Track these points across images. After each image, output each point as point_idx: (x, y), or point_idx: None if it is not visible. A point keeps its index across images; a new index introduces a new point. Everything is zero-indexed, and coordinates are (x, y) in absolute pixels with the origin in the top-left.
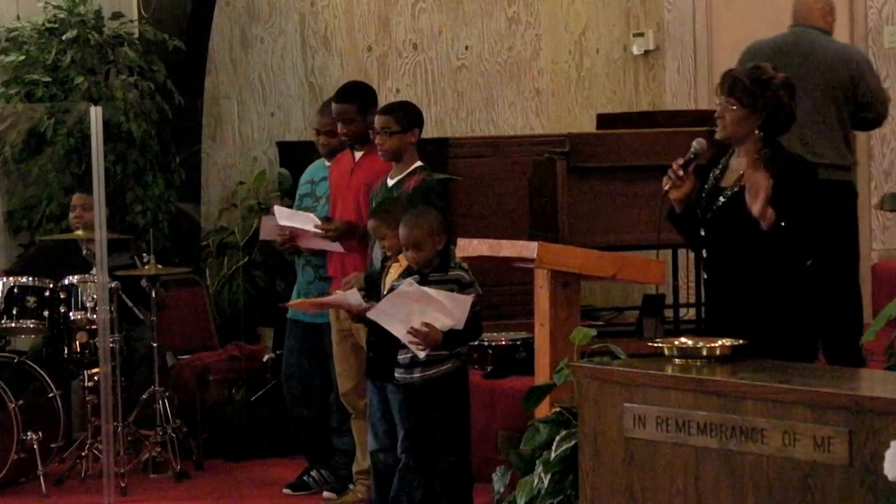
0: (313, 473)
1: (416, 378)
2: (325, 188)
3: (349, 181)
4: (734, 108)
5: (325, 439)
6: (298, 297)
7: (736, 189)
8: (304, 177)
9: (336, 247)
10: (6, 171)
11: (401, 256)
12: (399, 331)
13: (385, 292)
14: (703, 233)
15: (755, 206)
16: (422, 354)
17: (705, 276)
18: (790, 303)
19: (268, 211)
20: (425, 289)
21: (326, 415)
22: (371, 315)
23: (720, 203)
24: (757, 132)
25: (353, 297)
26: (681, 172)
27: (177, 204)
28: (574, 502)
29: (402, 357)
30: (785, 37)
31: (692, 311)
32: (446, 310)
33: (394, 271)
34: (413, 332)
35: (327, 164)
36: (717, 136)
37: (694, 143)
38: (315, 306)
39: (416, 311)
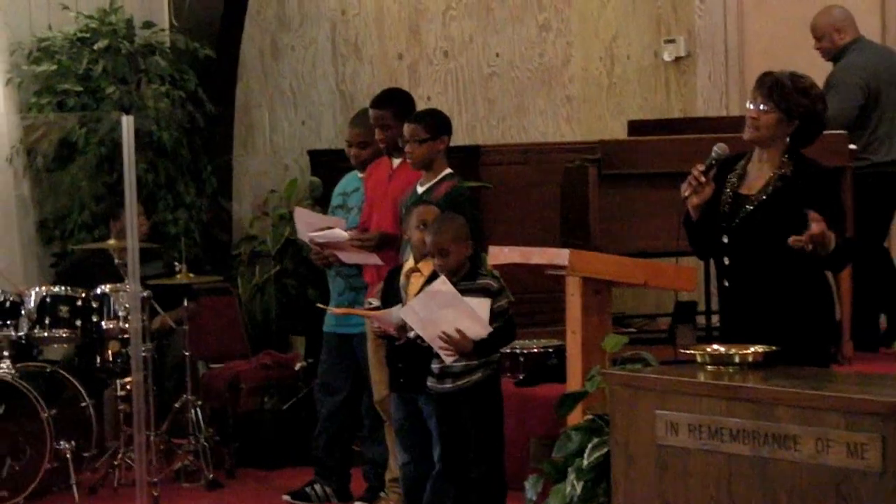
0: (316, 487)
1: (448, 388)
2: (357, 199)
3: (386, 188)
4: (771, 111)
5: (342, 455)
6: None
7: (763, 198)
8: (337, 189)
9: (375, 259)
10: (38, 181)
11: (422, 266)
12: (429, 334)
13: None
14: (725, 240)
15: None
16: (450, 360)
17: (726, 284)
18: (813, 311)
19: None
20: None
21: (351, 429)
22: (402, 314)
23: (747, 211)
24: (787, 140)
25: (397, 315)
26: (702, 178)
27: (208, 213)
28: None
29: (435, 366)
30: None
31: None
32: (477, 318)
33: (415, 281)
34: (445, 337)
35: (360, 175)
36: (746, 136)
37: (715, 148)
38: (359, 315)
39: (450, 316)
